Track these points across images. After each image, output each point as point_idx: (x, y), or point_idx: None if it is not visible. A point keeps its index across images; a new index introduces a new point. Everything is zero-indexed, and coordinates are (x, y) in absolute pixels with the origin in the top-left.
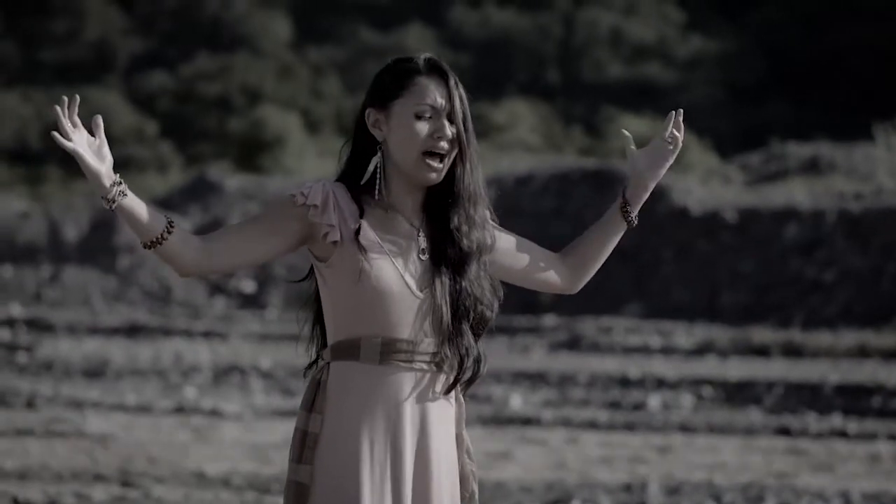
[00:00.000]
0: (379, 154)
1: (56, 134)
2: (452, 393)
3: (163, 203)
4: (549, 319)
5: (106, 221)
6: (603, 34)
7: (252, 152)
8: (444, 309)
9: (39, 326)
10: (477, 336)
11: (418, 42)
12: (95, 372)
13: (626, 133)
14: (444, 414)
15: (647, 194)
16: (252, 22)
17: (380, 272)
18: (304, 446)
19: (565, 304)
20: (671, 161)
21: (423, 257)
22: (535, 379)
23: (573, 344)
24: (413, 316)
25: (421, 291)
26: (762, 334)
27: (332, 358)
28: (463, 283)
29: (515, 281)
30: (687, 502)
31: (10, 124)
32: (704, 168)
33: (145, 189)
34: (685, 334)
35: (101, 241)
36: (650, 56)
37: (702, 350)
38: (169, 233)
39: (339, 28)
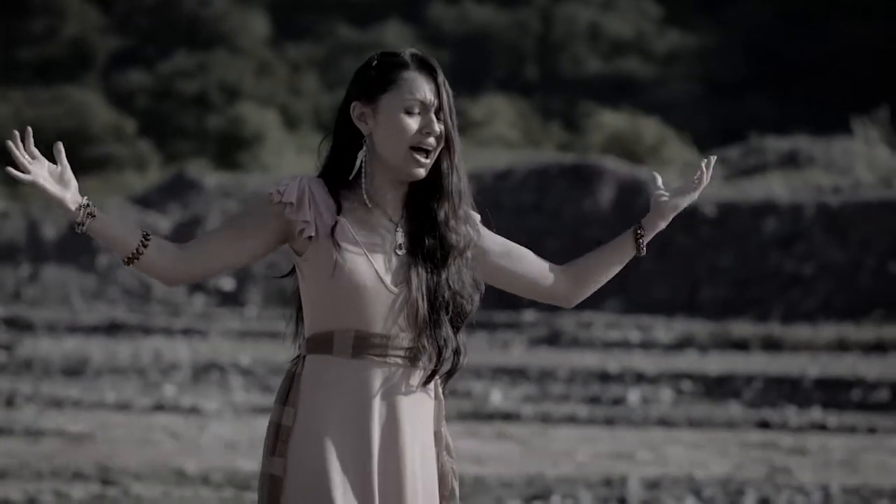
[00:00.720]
0: (365, 148)
1: (10, 169)
2: (431, 388)
3: (142, 201)
4: (529, 315)
5: None
6: (581, 29)
7: (231, 149)
8: (420, 302)
9: (19, 325)
10: (456, 329)
11: (397, 38)
12: (75, 370)
13: (656, 174)
14: (420, 409)
15: (664, 224)
16: (230, 19)
17: (354, 267)
18: (277, 439)
19: None
20: (693, 198)
21: (399, 252)
22: (515, 374)
23: (553, 339)
24: (387, 310)
25: (395, 286)
26: (741, 328)
27: (307, 351)
28: (442, 276)
29: (512, 286)
30: (667, 497)
31: None
32: (683, 162)
33: (124, 187)
34: (665, 329)
35: (80, 240)
36: (628, 51)
37: (681, 344)
38: (145, 246)
39: (317, 25)
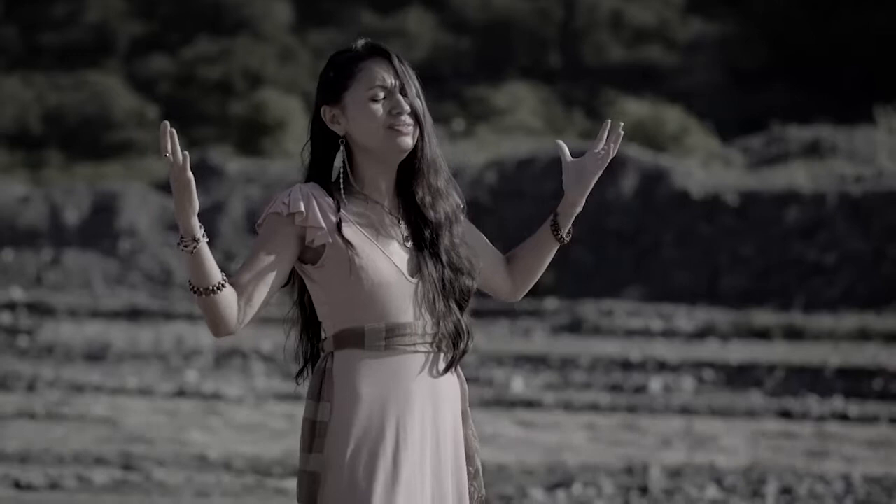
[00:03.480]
0: (342, 148)
1: (183, 156)
2: (453, 370)
3: (164, 187)
4: (551, 302)
5: (107, 205)
6: (604, 17)
7: (253, 136)
8: (434, 292)
9: (40, 310)
10: (462, 308)
11: (419, 25)
12: (97, 355)
13: (560, 143)
14: (451, 392)
15: (578, 209)
16: (253, 5)
17: (374, 264)
18: (314, 435)
19: (566, 288)
20: (598, 174)
21: (407, 244)
22: (537, 362)
23: (574, 327)
24: (410, 301)
25: (413, 277)
26: (763, 317)
27: (334, 347)
28: (443, 261)
29: None
30: (688, 485)
31: (10, 108)
32: (705, 151)
33: (146, 173)
34: (686, 317)
35: (101, 225)
36: (651, 39)
37: (703, 333)
38: (222, 287)
39: (340, 11)
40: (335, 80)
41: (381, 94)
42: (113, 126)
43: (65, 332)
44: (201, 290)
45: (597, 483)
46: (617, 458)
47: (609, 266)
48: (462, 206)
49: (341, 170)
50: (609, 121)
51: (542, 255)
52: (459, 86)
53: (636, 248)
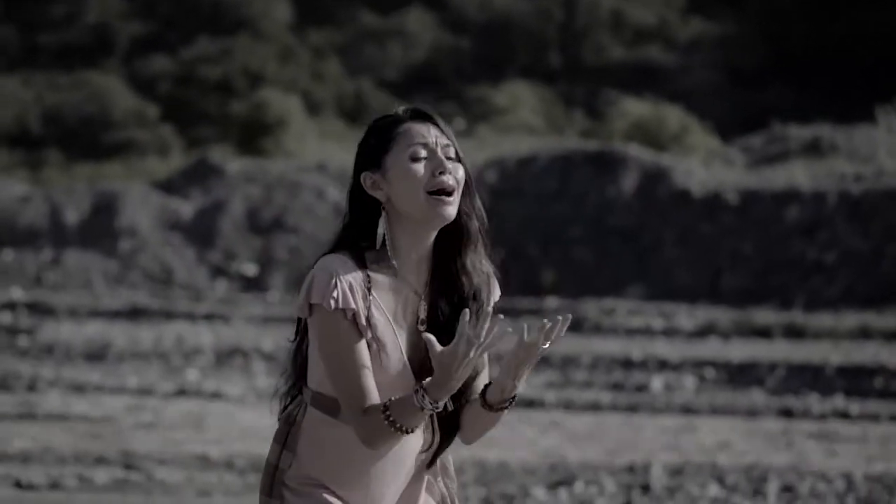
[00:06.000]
0: (384, 214)
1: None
2: (428, 429)
3: (164, 186)
4: (552, 301)
5: (107, 204)
6: (604, 17)
7: (253, 135)
8: None
9: (41, 310)
10: (459, 402)
11: (419, 25)
12: (97, 355)
13: (525, 329)
14: (421, 468)
15: (508, 394)
16: (252, 5)
17: (386, 355)
18: (274, 480)
19: (567, 286)
20: (532, 365)
21: (421, 327)
22: (538, 361)
23: (576, 326)
24: (400, 387)
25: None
26: (764, 316)
27: (311, 402)
28: None
29: None
30: (690, 483)
31: (10, 108)
32: (706, 150)
33: (146, 172)
34: (687, 316)
35: (102, 225)
36: (651, 39)
37: (704, 332)
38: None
39: (339, 11)
40: (376, 145)
41: (423, 153)
42: (113, 126)
43: (65, 331)
44: (409, 430)
45: (598, 482)
46: (618, 457)
47: (610, 265)
48: (498, 295)
49: (385, 235)
50: (560, 319)
51: (477, 418)
52: (459, 85)
53: (637, 247)
